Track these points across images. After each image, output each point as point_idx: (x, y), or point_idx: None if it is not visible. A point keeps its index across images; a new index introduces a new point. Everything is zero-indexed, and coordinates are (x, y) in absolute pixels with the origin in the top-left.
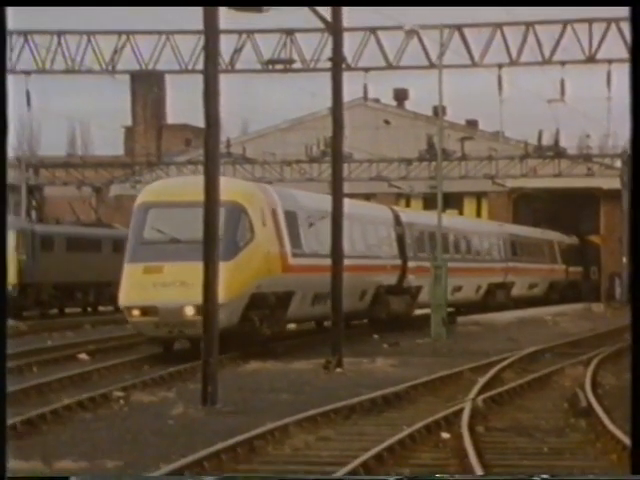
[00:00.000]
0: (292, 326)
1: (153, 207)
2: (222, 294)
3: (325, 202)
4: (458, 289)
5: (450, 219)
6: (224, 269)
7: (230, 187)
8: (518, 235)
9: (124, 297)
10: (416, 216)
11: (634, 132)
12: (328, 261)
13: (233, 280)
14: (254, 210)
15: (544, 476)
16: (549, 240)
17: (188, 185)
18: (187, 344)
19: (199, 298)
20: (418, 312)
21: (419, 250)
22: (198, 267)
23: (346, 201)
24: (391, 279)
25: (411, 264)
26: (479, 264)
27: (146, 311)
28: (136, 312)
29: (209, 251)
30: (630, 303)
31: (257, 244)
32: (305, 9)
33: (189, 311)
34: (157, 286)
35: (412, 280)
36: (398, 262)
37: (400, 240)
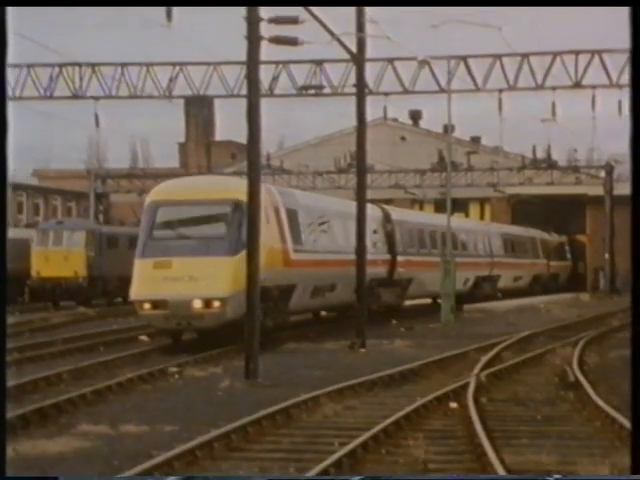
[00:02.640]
0: (323, 314)
1: (162, 205)
2: (228, 288)
3: (323, 201)
4: None
5: (440, 218)
6: (230, 264)
7: (235, 186)
8: (503, 233)
9: (135, 291)
10: (405, 214)
11: (634, 132)
12: (327, 256)
13: (239, 274)
14: None
15: (557, 476)
16: (532, 237)
17: (195, 185)
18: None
19: (207, 291)
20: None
21: (408, 245)
22: (206, 262)
23: (340, 201)
24: (382, 272)
25: (400, 258)
26: (466, 259)
27: (156, 304)
28: (147, 305)
29: (251, 247)
30: (631, 305)
31: (261, 240)
32: (334, 44)
33: (197, 304)
34: (167, 280)
35: (402, 273)
36: (388, 257)
37: (390, 236)
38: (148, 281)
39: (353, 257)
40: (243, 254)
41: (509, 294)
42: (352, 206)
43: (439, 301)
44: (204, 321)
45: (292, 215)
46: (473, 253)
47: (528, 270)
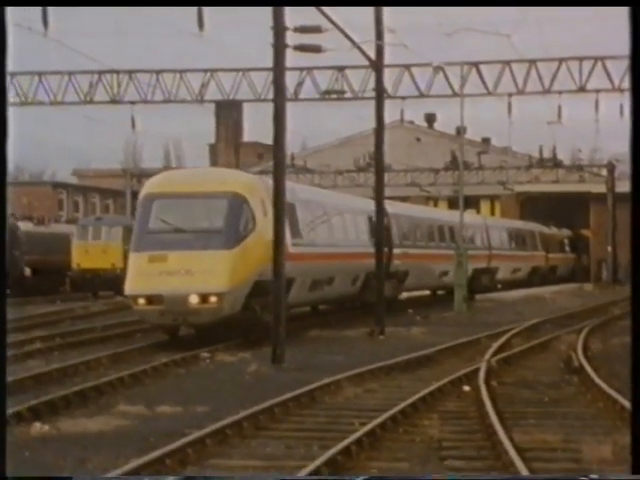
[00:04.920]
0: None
1: (158, 198)
2: (226, 282)
3: (322, 195)
4: (445, 274)
5: (435, 212)
6: (227, 258)
7: (232, 179)
8: (500, 227)
9: (130, 286)
10: (401, 208)
11: (634, 132)
12: (325, 250)
13: (236, 269)
14: (255, 201)
15: (593, 476)
16: (530, 231)
17: (191, 177)
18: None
19: (203, 286)
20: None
21: (404, 238)
22: (202, 256)
23: (339, 195)
24: None
25: (396, 251)
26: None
27: (151, 299)
28: (142, 300)
29: (277, 238)
30: (631, 303)
31: (259, 233)
32: (354, 51)
33: (193, 299)
34: (162, 275)
35: (399, 266)
36: (384, 249)
37: (386, 230)
38: (143, 276)
39: (351, 250)
40: (240, 248)
41: (508, 285)
42: (350, 200)
43: (439, 292)
44: (200, 316)
45: (290, 209)
46: (470, 246)
47: (527, 262)
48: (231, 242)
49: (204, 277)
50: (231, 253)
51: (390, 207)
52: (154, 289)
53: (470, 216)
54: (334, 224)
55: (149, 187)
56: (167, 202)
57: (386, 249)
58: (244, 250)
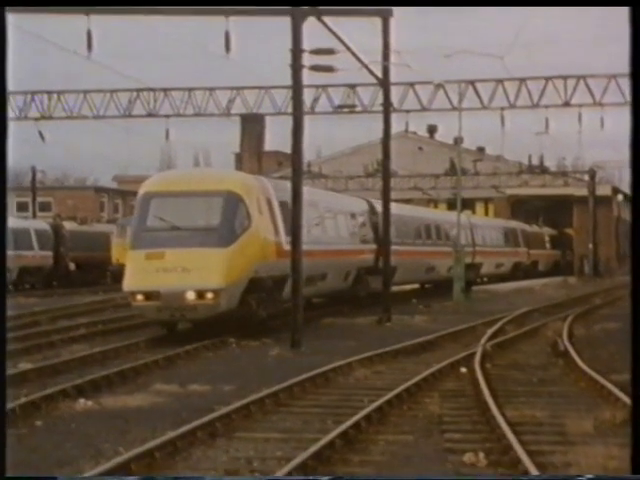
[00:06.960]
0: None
1: (155, 197)
2: (222, 279)
3: (315, 195)
4: (431, 269)
5: (425, 211)
6: (223, 255)
7: (228, 178)
8: (483, 225)
9: (128, 282)
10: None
11: (634, 134)
12: (318, 247)
13: (232, 266)
14: (251, 199)
15: (589, 476)
16: (513, 229)
17: (188, 176)
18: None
19: (200, 283)
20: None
21: (393, 236)
22: (199, 253)
23: (332, 194)
24: (369, 261)
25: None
26: (448, 248)
27: (149, 296)
28: (140, 297)
29: (295, 233)
30: (631, 299)
31: (254, 231)
32: (364, 71)
33: (190, 295)
34: (159, 272)
35: None
36: (374, 246)
37: (375, 227)
38: (141, 272)
39: (342, 247)
40: (236, 245)
41: (493, 279)
42: (342, 199)
43: (427, 285)
44: (197, 312)
45: (285, 207)
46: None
47: (509, 258)
48: (227, 240)
49: (201, 274)
50: (227, 250)
51: (379, 206)
52: (151, 285)
53: (455, 215)
54: (327, 223)
55: (147, 186)
56: (164, 200)
57: (376, 246)
58: (240, 247)
